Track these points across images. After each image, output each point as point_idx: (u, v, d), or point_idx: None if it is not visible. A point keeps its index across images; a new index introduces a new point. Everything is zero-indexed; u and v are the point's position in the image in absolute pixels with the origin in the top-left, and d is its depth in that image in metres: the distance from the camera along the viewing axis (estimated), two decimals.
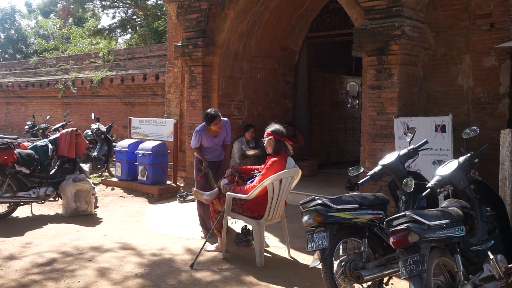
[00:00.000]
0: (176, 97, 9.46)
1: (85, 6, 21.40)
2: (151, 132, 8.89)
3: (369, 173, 4.10)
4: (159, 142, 8.38)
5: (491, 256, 3.60)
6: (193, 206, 6.52)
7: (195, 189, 5.24)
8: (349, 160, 10.59)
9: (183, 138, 8.93)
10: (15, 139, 6.76)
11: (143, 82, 11.77)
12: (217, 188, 5.02)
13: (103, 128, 9.92)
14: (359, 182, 4.19)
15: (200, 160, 5.90)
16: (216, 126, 5.60)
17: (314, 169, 8.92)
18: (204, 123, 5.65)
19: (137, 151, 8.31)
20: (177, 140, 8.56)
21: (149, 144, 8.30)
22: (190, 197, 7.47)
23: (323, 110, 10.38)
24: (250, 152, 7.74)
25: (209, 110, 5.65)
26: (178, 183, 8.53)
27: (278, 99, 9.15)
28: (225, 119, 5.86)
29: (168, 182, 8.46)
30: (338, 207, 3.69)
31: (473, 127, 3.96)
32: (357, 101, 11.57)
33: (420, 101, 6.10)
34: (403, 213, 3.34)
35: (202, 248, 4.87)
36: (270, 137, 4.79)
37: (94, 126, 9.91)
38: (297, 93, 9.53)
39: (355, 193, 4.07)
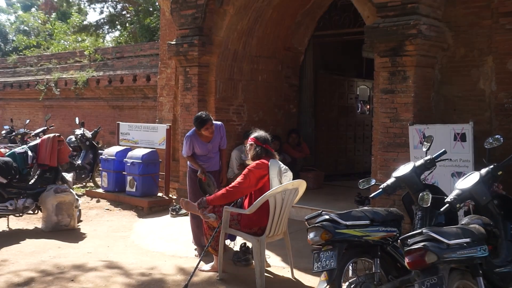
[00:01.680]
0: (169, 100, 9.47)
1: (70, 0, 21.52)
2: (141, 138, 8.90)
3: (382, 186, 4.10)
4: (149, 150, 8.38)
5: None
6: (187, 220, 6.49)
7: (184, 199, 5.20)
8: (359, 171, 10.58)
9: (176, 145, 8.92)
10: None
11: (133, 83, 11.81)
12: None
13: (88, 134, 9.93)
14: (371, 196, 4.18)
15: (194, 170, 5.90)
16: (208, 131, 5.61)
17: (320, 181, 8.91)
18: (194, 128, 5.67)
19: (126, 159, 8.32)
20: (169, 148, 8.56)
21: (138, 152, 8.30)
22: (183, 211, 7.45)
23: (330, 116, 10.39)
24: (249, 162, 7.73)
25: (199, 113, 5.67)
26: (170, 195, 8.51)
27: (281, 104, 9.16)
28: (218, 122, 5.87)
29: (160, 194, 8.46)
30: (348, 223, 3.68)
31: (496, 136, 3.96)
32: (368, 107, 11.58)
33: (438, 107, 6.10)
34: (419, 231, 3.33)
35: (196, 267, 4.84)
36: (251, 142, 4.89)
37: (78, 131, 9.92)
38: (302, 97, 9.55)
39: (366, 208, 4.06)
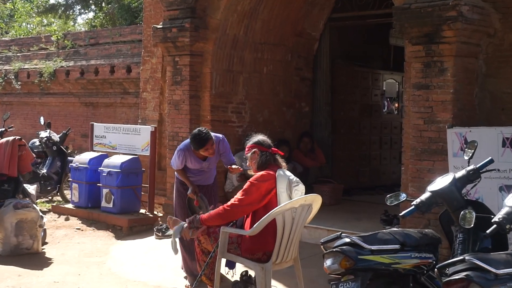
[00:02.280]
0: (155, 96, 9.49)
1: None
2: (120, 143, 8.92)
3: (414, 203, 4.08)
4: (130, 156, 8.41)
5: None
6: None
7: (172, 217, 5.20)
8: (385, 183, 10.58)
9: (163, 151, 8.93)
10: None
11: (110, 76, 11.81)
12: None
13: (56, 137, 9.95)
14: (401, 215, 4.16)
15: (182, 183, 5.92)
16: (207, 152, 5.66)
17: (338, 195, 8.91)
18: (189, 141, 5.69)
19: (101, 168, 8.33)
20: (154, 155, 8.57)
21: (117, 160, 8.31)
22: (171, 232, 7.43)
23: (350, 116, 10.40)
24: (252, 172, 7.72)
25: (197, 130, 5.66)
26: (155, 213, 8.52)
27: (291, 101, 9.17)
28: (219, 135, 5.89)
29: (142, 211, 8.47)
30: (373, 248, 3.68)
31: None
32: (397, 105, 11.57)
33: (483, 106, 6.09)
34: (460, 258, 3.31)
35: None
36: (253, 150, 4.87)
37: (43, 134, 9.94)
38: (316, 93, 9.56)
39: (394, 229, 4.05)
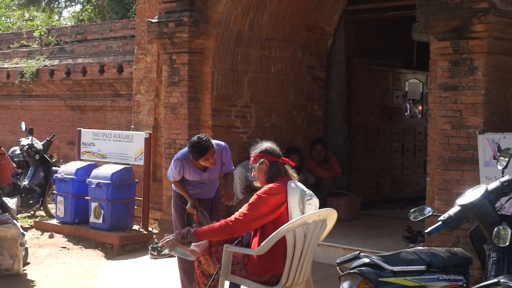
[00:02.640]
0: (149, 99, 9.51)
1: None
2: (110, 151, 8.92)
3: (441, 218, 4.06)
4: (122, 166, 8.41)
5: None
6: (173, 263, 6.48)
7: (169, 236, 5.17)
8: (408, 196, 10.56)
9: (158, 160, 8.93)
10: None
11: (99, 76, 11.86)
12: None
13: (39, 144, 9.97)
14: (426, 231, 4.15)
15: (180, 195, 5.93)
16: (208, 162, 5.65)
17: (355, 209, 8.90)
18: (187, 149, 5.70)
19: (89, 179, 8.33)
20: (149, 164, 8.57)
21: (107, 170, 8.32)
22: (167, 251, 7.44)
23: (369, 120, 10.40)
24: (258, 184, 7.71)
25: (196, 137, 5.66)
26: (150, 229, 8.51)
27: (302, 104, 9.18)
28: (221, 143, 5.91)
29: (136, 227, 8.46)
30: (395, 269, 3.66)
31: None
32: (421, 108, 11.55)
33: None
34: (494, 280, 3.31)
35: None
36: (261, 160, 4.82)
37: (25, 141, 9.95)
38: (330, 95, 9.57)
39: (420, 247, 4.04)
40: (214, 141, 5.73)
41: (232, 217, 4.66)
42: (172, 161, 5.87)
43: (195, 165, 5.76)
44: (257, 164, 4.86)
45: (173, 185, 6.05)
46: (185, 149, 5.80)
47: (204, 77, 8.10)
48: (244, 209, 4.66)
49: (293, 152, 8.29)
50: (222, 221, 4.70)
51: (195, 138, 5.66)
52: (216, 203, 6.12)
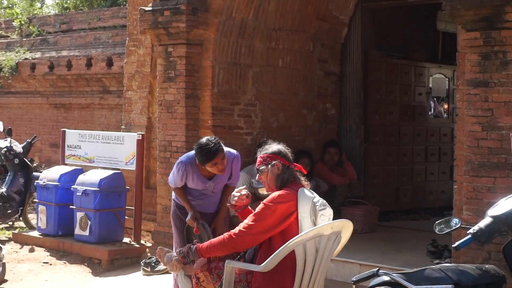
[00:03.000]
0: (142, 96, 9.52)
1: None
2: (98, 154, 8.94)
3: (470, 231, 4.06)
4: (112, 172, 8.42)
5: None
6: (168, 281, 6.47)
7: (163, 248, 5.16)
8: (432, 205, 10.54)
9: (152, 165, 8.95)
10: None
11: (86, 70, 11.88)
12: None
13: (18, 147, 9.99)
14: (453, 246, 4.14)
15: (181, 206, 5.94)
16: (216, 168, 5.63)
17: (373, 220, 8.89)
18: (193, 152, 5.70)
19: (75, 186, 8.35)
20: (142, 169, 8.58)
21: (95, 176, 8.33)
22: (162, 266, 7.44)
23: (388, 120, 10.39)
24: (264, 191, 7.69)
25: (205, 139, 5.67)
26: (142, 242, 8.52)
27: (313, 102, 9.18)
28: (233, 152, 5.91)
29: (126, 240, 8.47)
30: None
31: None
32: (447, 106, 11.52)
33: None
34: None
35: None
36: (274, 162, 4.79)
37: (2, 143, 9.97)
38: (344, 91, 9.56)
39: (446, 264, 4.02)
40: (225, 148, 5.74)
41: (236, 229, 4.64)
42: (175, 165, 5.87)
43: (200, 171, 5.76)
44: (269, 166, 4.82)
45: (173, 193, 6.04)
46: (192, 152, 5.80)
47: (203, 72, 8.10)
48: (249, 220, 4.64)
49: (303, 155, 8.29)
50: (225, 234, 4.69)
51: (203, 139, 5.67)
52: (212, 219, 6.06)
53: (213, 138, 5.68)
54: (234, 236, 4.62)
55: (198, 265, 4.92)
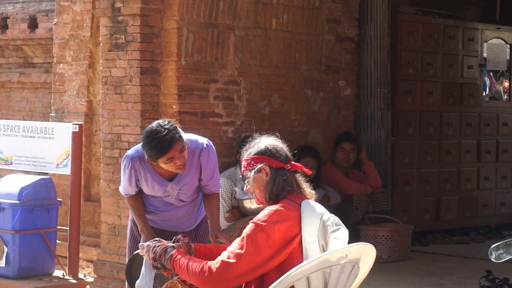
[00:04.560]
0: (79, 71, 9.53)
1: None
2: (18, 153, 8.94)
3: None
4: (38, 177, 8.44)
5: None
6: None
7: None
8: (486, 223, 10.67)
9: (93, 168, 8.98)
10: None
11: (0, 35, 11.83)
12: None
13: None
14: None
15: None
16: (174, 164, 5.57)
17: (404, 244, 8.92)
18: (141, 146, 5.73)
19: None
20: (80, 174, 8.57)
21: (13, 183, 8.37)
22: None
23: (425, 104, 10.49)
24: (253, 204, 7.70)
25: (154, 124, 5.64)
26: (81, 276, 8.50)
27: (320, 79, 9.23)
28: (201, 141, 5.85)
29: (59, 273, 8.47)
30: None
31: None
32: (508, 85, 11.56)
33: None
34: None
35: None
36: (259, 165, 4.78)
37: None
38: (364, 64, 9.59)
39: None
40: (187, 135, 5.74)
41: (217, 262, 4.58)
42: (122, 162, 5.91)
43: (155, 169, 5.72)
44: (253, 172, 4.82)
45: (128, 204, 6.05)
46: (138, 147, 5.86)
47: (165, 37, 8.17)
48: (234, 247, 4.59)
49: (308, 153, 8.31)
50: (204, 264, 4.66)
51: (153, 124, 5.63)
52: (203, 239, 6.09)
53: (165, 122, 5.61)
54: (212, 272, 4.57)
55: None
